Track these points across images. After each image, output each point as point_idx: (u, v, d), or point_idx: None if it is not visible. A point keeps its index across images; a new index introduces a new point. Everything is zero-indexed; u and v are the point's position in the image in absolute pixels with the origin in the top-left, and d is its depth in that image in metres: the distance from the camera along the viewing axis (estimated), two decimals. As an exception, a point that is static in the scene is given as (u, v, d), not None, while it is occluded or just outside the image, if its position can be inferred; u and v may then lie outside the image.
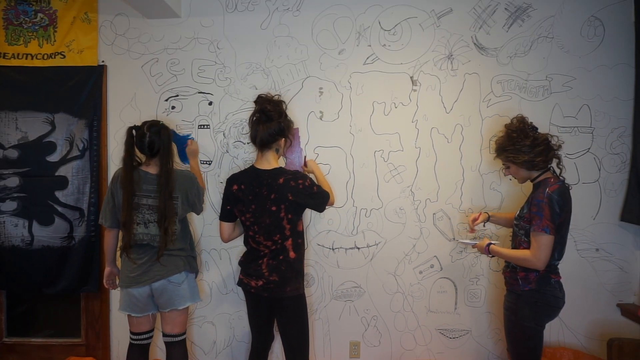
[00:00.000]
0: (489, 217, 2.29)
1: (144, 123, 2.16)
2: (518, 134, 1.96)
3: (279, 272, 2.07)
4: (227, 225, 2.21)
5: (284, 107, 2.18)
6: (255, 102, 2.16)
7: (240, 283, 2.20)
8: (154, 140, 2.12)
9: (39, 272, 2.72)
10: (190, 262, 2.25)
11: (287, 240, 2.09)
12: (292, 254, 2.10)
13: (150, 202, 2.13)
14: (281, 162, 2.24)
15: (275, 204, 2.04)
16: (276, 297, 2.09)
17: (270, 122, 2.08)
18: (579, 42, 2.55)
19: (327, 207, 2.19)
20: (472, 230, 2.28)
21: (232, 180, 2.15)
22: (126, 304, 2.17)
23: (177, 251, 2.18)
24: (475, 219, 2.25)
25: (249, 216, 2.09)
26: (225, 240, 2.27)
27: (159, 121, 2.21)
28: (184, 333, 2.28)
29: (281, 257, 2.08)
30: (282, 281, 2.07)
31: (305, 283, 2.51)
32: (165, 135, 2.16)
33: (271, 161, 2.12)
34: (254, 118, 2.12)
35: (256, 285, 2.10)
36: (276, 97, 2.18)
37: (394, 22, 2.61)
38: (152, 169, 2.17)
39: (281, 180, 2.04)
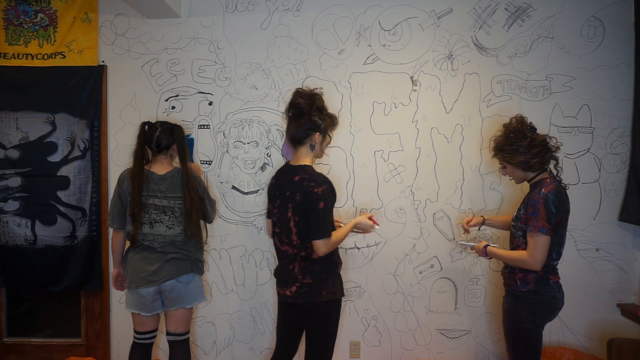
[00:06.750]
0: (483, 220, 2.27)
1: (158, 121, 2.25)
2: (516, 134, 1.94)
3: (312, 275, 1.94)
4: (269, 222, 2.13)
5: (320, 101, 2.00)
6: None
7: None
8: (162, 136, 2.17)
9: (42, 271, 2.73)
10: (196, 264, 2.24)
11: (299, 242, 1.94)
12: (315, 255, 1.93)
13: (157, 202, 2.14)
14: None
15: (291, 202, 1.92)
16: (309, 302, 1.96)
17: (301, 116, 1.95)
18: (579, 42, 2.55)
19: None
20: (466, 230, 2.27)
21: (274, 174, 2.10)
22: (135, 303, 2.16)
23: (182, 254, 2.17)
24: (468, 221, 2.25)
25: (276, 212, 2.00)
26: (271, 237, 2.13)
27: (173, 123, 2.27)
28: (188, 332, 2.27)
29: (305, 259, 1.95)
30: (317, 284, 1.94)
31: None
32: (180, 133, 2.22)
33: (301, 157, 1.99)
34: (290, 114, 2.00)
35: (291, 293, 1.97)
36: (313, 90, 2.01)
37: (394, 22, 2.61)
38: (156, 169, 2.18)
39: (297, 178, 1.91)
